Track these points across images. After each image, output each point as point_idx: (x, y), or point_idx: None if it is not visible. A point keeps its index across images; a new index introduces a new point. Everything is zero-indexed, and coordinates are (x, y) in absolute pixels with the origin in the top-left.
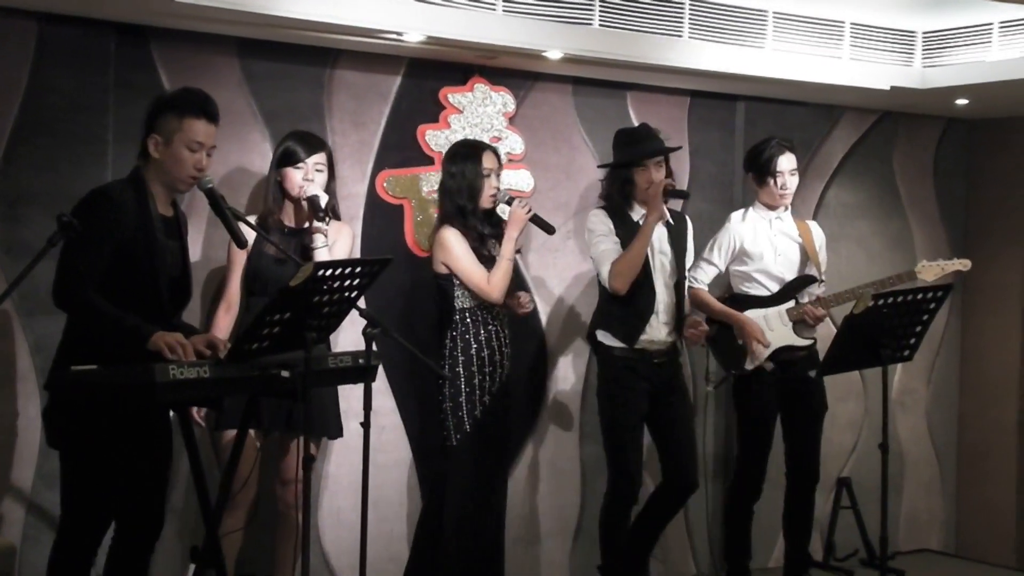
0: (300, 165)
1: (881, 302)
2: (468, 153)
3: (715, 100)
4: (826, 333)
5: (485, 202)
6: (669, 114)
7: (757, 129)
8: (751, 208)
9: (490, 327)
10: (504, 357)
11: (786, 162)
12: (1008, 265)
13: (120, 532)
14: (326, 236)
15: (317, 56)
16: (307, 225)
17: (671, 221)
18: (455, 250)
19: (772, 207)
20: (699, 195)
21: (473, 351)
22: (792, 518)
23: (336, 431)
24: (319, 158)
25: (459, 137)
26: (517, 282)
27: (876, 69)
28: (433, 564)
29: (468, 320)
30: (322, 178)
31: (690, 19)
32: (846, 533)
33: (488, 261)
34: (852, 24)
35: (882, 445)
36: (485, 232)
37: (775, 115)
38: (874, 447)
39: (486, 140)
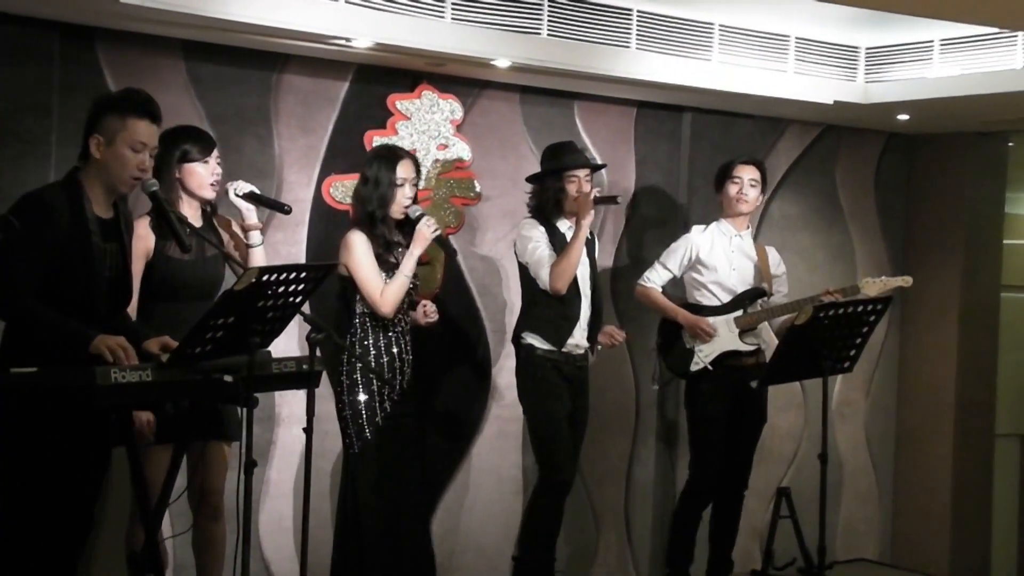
0: (206, 161)
1: (822, 314)
2: (384, 160)
3: (662, 111)
4: (772, 343)
5: (395, 212)
6: (616, 124)
7: (703, 141)
8: (715, 223)
9: (389, 334)
10: (405, 364)
11: (747, 171)
12: (946, 278)
13: (50, 537)
14: (262, 233)
15: (264, 60)
16: (210, 222)
17: (588, 236)
18: (356, 254)
19: (733, 218)
20: (644, 205)
21: (371, 357)
22: (719, 524)
23: (236, 433)
24: (216, 154)
25: (407, 144)
26: (460, 288)
27: (820, 83)
28: (357, 571)
29: (368, 325)
30: (219, 173)
31: (638, 30)
32: (784, 542)
33: (394, 268)
34: (797, 38)
35: (821, 455)
36: (393, 240)
37: (721, 127)
38: (813, 457)
39: (433, 147)
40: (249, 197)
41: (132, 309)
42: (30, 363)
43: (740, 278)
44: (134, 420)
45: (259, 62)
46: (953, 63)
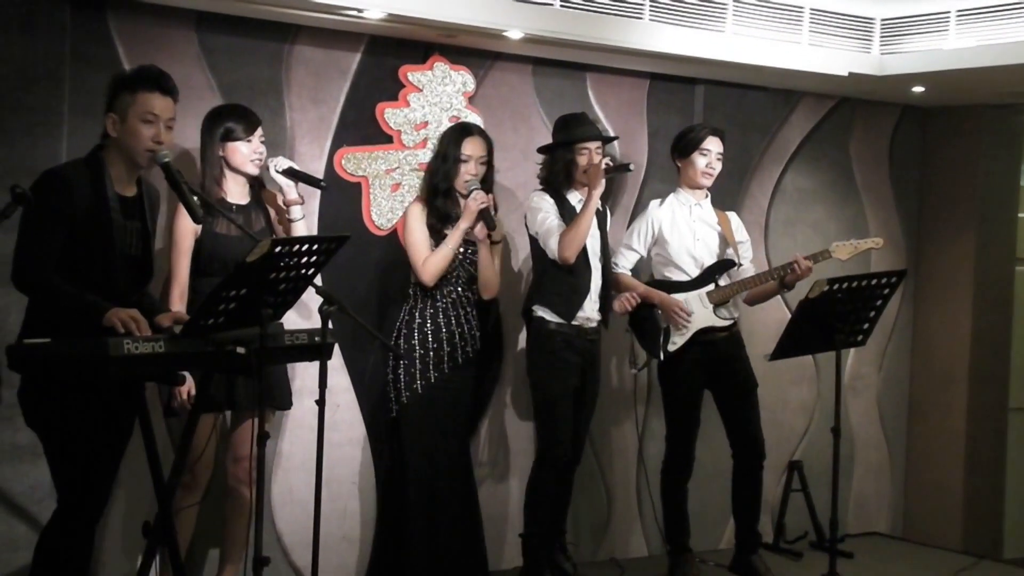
0: (248, 139)
1: (836, 287)
2: (454, 135)
3: (675, 83)
4: (780, 317)
5: (460, 187)
6: (628, 96)
7: (716, 113)
8: (671, 195)
9: (438, 304)
10: (457, 336)
11: (714, 144)
12: (960, 251)
13: (64, 506)
14: (303, 207)
15: (276, 31)
16: (258, 199)
17: (600, 208)
18: (409, 223)
19: (694, 188)
20: (657, 177)
21: (416, 325)
22: (740, 497)
23: (287, 402)
24: (260, 132)
25: (418, 116)
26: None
27: (834, 55)
28: (400, 539)
29: (419, 294)
30: (263, 151)
31: (651, 1)
32: (796, 516)
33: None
34: (812, 10)
35: (834, 429)
36: (452, 213)
37: (734, 99)
38: (825, 431)
39: (445, 119)
40: (288, 173)
41: (186, 286)
42: (49, 335)
43: (705, 249)
44: (175, 394)
45: (271, 33)
46: (969, 35)
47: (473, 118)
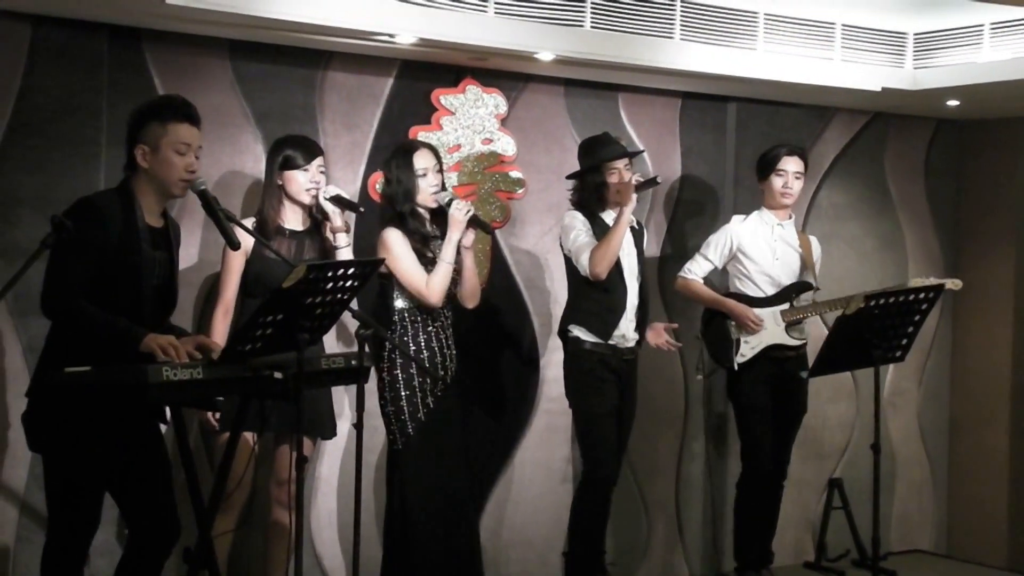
0: (306, 168)
1: (873, 303)
2: (400, 155)
3: (706, 101)
4: (818, 334)
5: (427, 201)
6: (660, 115)
7: (749, 130)
8: (756, 212)
9: (429, 328)
10: (447, 359)
11: (792, 163)
12: (998, 265)
13: (133, 540)
14: (349, 235)
15: (309, 58)
16: (316, 226)
17: (635, 225)
18: (395, 250)
19: (776, 209)
20: (690, 196)
21: (411, 353)
22: (758, 514)
23: (330, 431)
24: (320, 161)
25: (451, 139)
26: (507, 283)
27: (867, 70)
28: (405, 567)
29: (407, 321)
30: (323, 181)
31: (681, 20)
32: (838, 534)
33: (431, 263)
34: (843, 25)
35: (874, 446)
36: (428, 233)
37: (767, 116)
38: (866, 448)
39: (478, 142)
40: (335, 200)
41: (232, 306)
42: (76, 363)
43: (784, 268)
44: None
45: (304, 60)
46: (1004, 47)
47: (506, 140)
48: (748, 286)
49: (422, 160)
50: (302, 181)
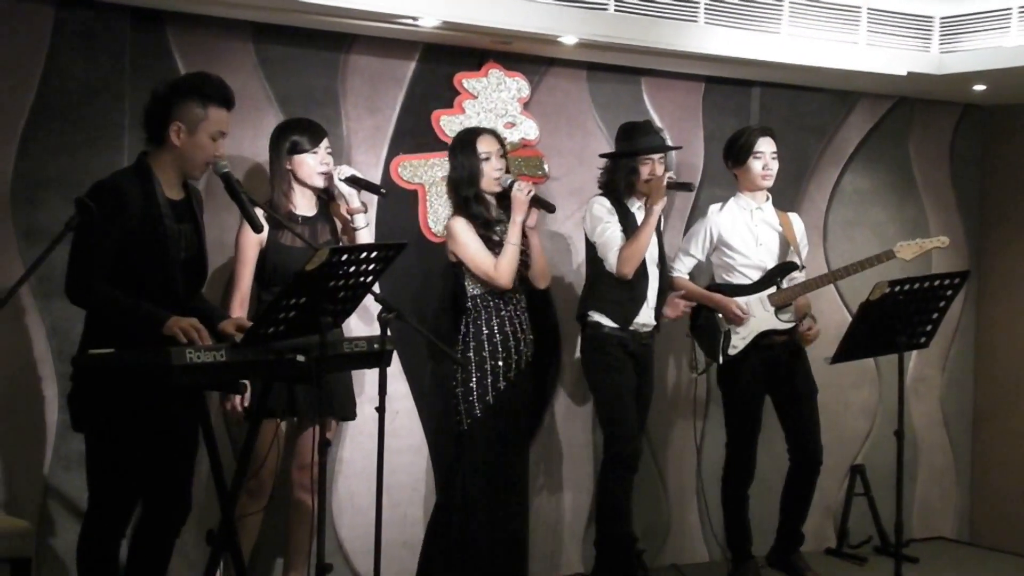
0: (315, 151)
1: (897, 289)
2: (464, 142)
3: (730, 86)
4: (840, 320)
5: (491, 186)
6: (684, 100)
7: (772, 115)
8: (732, 199)
9: (503, 313)
10: (521, 343)
11: (767, 144)
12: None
13: (147, 515)
14: (367, 215)
15: (332, 41)
16: (325, 209)
17: None
18: (461, 238)
19: (755, 192)
20: (713, 181)
21: (484, 336)
22: (789, 497)
23: (351, 413)
24: (326, 143)
25: (474, 123)
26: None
27: (893, 55)
28: (448, 551)
29: (480, 307)
30: (331, 162)
31: (705, 4)
32: (860, 520)
33: (498, 246)
34: (869, 9)
35: (897, 432)
36: (492, 218)
37: (790, 101)
38: (888, 434)
39: (500, 126)
40: (351, 181)
41: (248, 296)
42: (113, 344)
43: (767, 253)
44: (230, 402)
45: (326, 43)
46: None
47: (529, 124)
48: (734, 275)
49: (485, 144)
50: (312, 164)
